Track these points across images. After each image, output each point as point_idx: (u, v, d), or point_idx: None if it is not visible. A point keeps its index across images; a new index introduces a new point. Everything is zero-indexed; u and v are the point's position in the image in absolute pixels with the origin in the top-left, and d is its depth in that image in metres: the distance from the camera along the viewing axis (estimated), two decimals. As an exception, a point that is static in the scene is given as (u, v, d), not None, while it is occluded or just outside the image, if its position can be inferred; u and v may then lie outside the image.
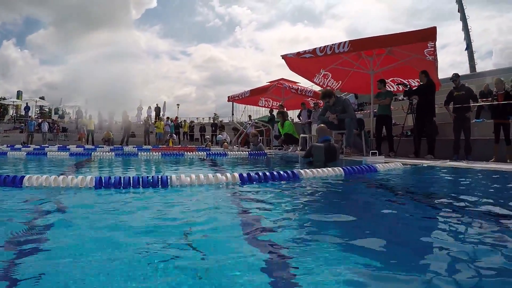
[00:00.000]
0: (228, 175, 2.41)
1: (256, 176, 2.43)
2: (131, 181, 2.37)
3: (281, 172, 2.54)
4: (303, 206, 2.02)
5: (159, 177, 2.41)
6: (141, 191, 2.32)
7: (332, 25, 75.29)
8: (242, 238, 1.34)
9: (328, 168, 2.88)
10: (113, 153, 8.37)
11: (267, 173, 2.49)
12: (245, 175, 2.41)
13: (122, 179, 2.39)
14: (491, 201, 2.13)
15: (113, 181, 2.38)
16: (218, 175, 2.40)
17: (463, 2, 25.18)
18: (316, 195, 2.43)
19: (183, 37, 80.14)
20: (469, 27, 25.00)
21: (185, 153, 7.72)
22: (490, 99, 7.23)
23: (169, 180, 2.35)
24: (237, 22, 73.85)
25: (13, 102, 30.26)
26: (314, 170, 2.77)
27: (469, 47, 24.53)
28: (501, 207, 1.93)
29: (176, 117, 24.31)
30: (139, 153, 8.14)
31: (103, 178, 2.42)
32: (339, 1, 73.45)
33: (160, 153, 7.71)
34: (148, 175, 2.46)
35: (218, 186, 2.38)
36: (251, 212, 1.82)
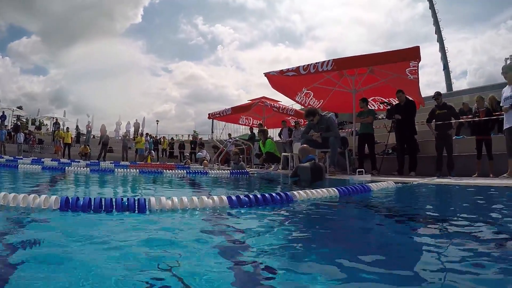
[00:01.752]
0: (216, 198, 2.16)
1: (247, 199, 2.20)
2: (103, 203, 2.08)
3: (274, 195, 2.32)
4: (297, 231, 1.81)
5: (136, 199, 2.13)
6: (115, 214, 2.04)
7: (312, 47, 77.32)
8: (231, 268, 1.15)
9: (323, 189, 2.70)
10: (88, 168, 7.94)
11: (259, 196, 2.26)
12: (234, 198, 2.18)
13: (92, 200, 2.10)
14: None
15: (81, 203, 2.09)
16: (204, 198, 2.15)
17: (440, 24, 26.67)
18: (312, 218, 2.23)
19: (165, 53, 79.93)
20: (445, 48, 26.44)
21: (164, 170, 7.38)
22: (470, 116, 7.38)
23: (147, 203, 2.08)
24: (220, 41, 74.31)
25: (-11, 110, 28.68)
26: (308, 191, 2.57)
27: (446, 67, 25.87)
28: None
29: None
30: (116, 169, 7.73)
31: (70, 198, 2.12)
32: (319, 24, 75.67)
33: (137, 170, 7.33)
34: (123, 197, 2.18)
35: (203, 210, 2.13)
36: (240, 239, 1.59)
